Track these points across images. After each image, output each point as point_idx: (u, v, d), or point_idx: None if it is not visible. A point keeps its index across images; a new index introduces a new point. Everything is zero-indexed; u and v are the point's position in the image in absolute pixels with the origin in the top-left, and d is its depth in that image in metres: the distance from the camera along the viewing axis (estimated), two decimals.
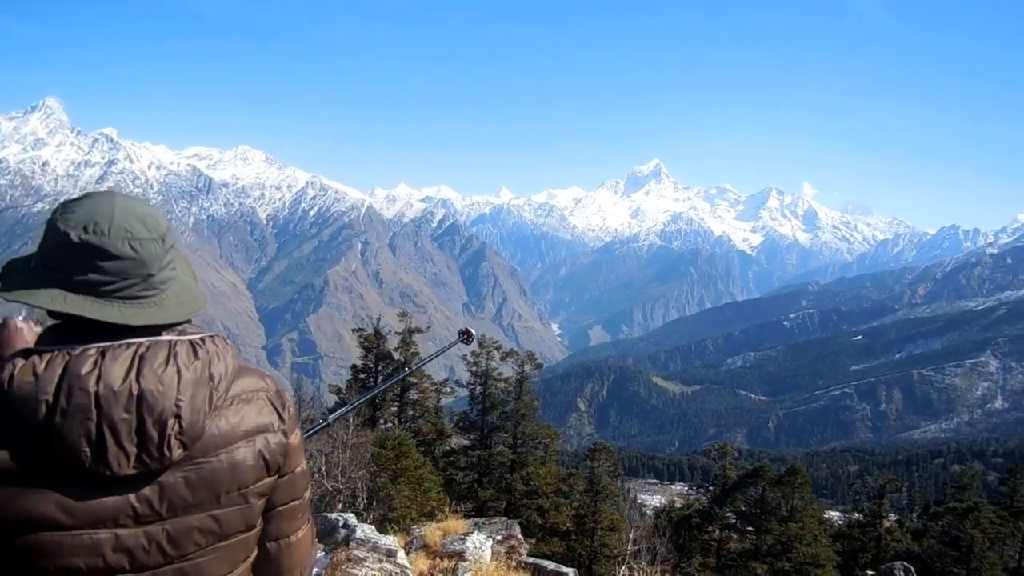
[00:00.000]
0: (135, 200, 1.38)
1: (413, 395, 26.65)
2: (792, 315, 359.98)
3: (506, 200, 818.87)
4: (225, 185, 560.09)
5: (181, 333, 1.37)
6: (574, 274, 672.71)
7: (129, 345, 1.28)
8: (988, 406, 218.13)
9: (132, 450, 1.23)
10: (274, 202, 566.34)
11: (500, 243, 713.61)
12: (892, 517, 31.41)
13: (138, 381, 1.24)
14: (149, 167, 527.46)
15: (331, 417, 2.35)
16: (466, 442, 26.11)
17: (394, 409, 26.86)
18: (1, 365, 1.23)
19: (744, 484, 27.26)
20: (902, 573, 9.78)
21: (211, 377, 1.33)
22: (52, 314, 1.33)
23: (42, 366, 1.22)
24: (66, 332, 1.30)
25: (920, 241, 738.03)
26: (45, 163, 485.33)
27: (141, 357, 1.27)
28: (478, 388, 25.70)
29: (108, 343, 1.27)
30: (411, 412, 26.67)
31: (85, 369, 1.22)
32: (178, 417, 1.26)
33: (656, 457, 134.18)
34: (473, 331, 3.32)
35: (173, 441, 1.26)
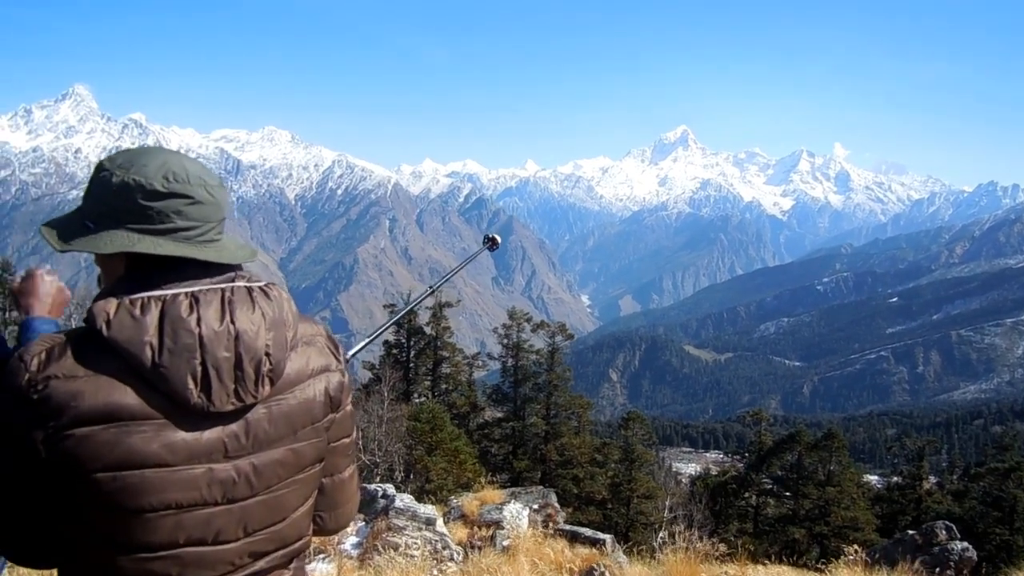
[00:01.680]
0: (186, 156, 1.48)
1: (446, 369, 26.87)
2: (825, 279, 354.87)
3: (532, 172, 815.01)
4: (253, 167, 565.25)
5: (250, 280, 1.44)
6: (602, 244, 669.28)
7: (217, 291, 1.35)
8: None
9: (232, 387, 1.30)
10: (302, 182, 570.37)
11: (527, 216, 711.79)
12: (932, 479, 31.05)
13: (233, 323, 1.31)
14: (178, 151, 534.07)
15: (362, 343, 2.27)
16: (499, 414, 26.29)
17: (427, 383, 27.11)
18: (91, 312, 1.28)
19: (780, 450, 27.12)
20: (944, 532, 9.64)
21: (285, 319, 1.41)
22: (101, 261, 1.41)
23: (137, 310, 1.27)
24: (128, 282, 1.34)
25: (957, 199, 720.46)
26: (77, 150, 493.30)
27: (230, 301, 1.34)
28: (510, 360, 25.81)
29: (197, 288, 1.34)
30: (444, 386, 26.91)
31: (184, 312, 1.28)
32: (268, 355, 1.34)
33: (690, 425, 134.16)
34: (498, 237, 3.38)
35: (264, 378, 1.33)
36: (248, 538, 1.38)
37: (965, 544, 9.32)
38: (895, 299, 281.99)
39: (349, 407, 1.60)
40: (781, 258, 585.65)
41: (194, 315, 1.28)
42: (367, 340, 2.34)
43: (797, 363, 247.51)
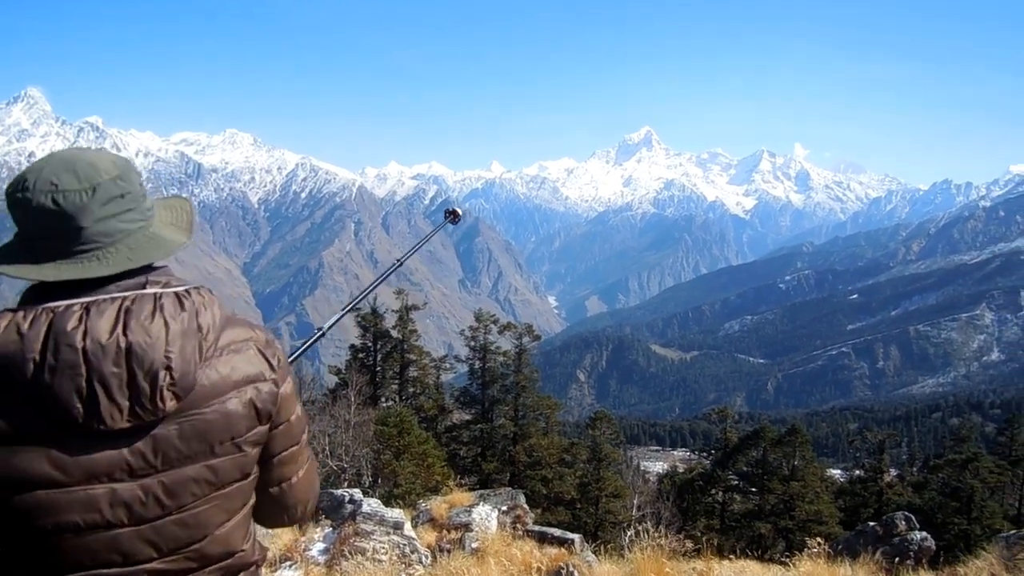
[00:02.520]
0: (88, 151, 1.36)
1: (413, 372, 26.73)
2: (788, 277, 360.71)
3: (498, 174, 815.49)
4: (215, 170, 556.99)
5: (166, 285, 1.36)
6: (569, 246, 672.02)
7: (114, 299, 1.27)
8: (984, 358, 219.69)
9: (125, 403, 1.23)
10: (265, 185, 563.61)
11: (494, 217, 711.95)
12: (892, 472, 31.73)
13: (125, 334, 1.23)
14: (137, 155, 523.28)
15: (327, 325, 2.44)
16: (468, 417, 26.25)
17: (395, 387, 26.95)
18: None
19: (745, 446, 27.50)
20: (903, 523, 9.85)
21: (199, 328, 1.33)
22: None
23: (26, 325, 1.21)
24: (45, 291, 1.28)
25: (913, 197, 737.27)
26: (31, 154, 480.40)
27: (127, 310, 1.26)
28: (477, 363, 25.78)
29: (92, 298, 1.26)
30: (412, 389, 26.77)
31: (71, 325, 1.21)
32: (169, 369, 1.25)
33: (657, 424, 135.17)
34: (459, 210, 3.30)
35: (166, 393, 1.25)
36: (164, 558, 1.32)
37: (924, 534, 9.54)
38: (855, 296, 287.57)
39: (295, 415, 1.54)
40: (744, 257, 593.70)
41: (80, 328, 1.22)
42: (337, 316, 2.35)
43: (761, 360, 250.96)
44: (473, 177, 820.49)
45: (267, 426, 1.46)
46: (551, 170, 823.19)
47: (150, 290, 1.32)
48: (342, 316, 2.48)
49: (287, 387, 1.51)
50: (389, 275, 2.79)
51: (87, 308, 1.24)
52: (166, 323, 1.28)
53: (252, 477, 1.46)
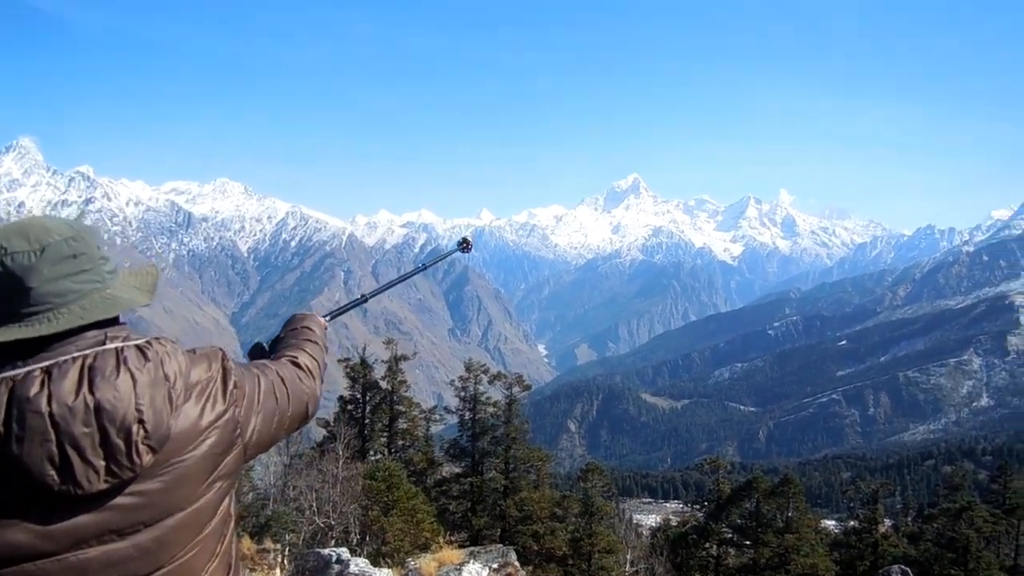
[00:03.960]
0: (46, 217, 1.36)
1: (402, 424, 26.45)
2: (776, 323, 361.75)
3: (487, 222, 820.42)
4: (205, 219, 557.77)
5: (126, 339, 1.34)
6: (558, 293, 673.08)
7: (75, 359, 1.25)
8: (974, 404, 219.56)
9: (100, 464, 1.20)
10: (255, 234, 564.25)
11: (483, 265, 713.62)
12: (887, 522, 31.40)
13: (92, 392, 1.20)
14: (127, 204, 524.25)
15: (370, 293, 2.52)
16: (457, 470, 25.89)
17: (383, 439, 26.62)
18: None
19: (738, 497, 27.18)
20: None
21: (166, 377, 1.31)
22: None
23: None
24: (2, 358, 1.25)
25: (898, 243, 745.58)
26: (21, 204, 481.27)
27: (90, 368, 1.24)
28: (467, 414, 25.54)
29: (52, 360, 1.24)
30: (400, 442, 26.45)
31: (33, 391, 1.18)
32: (141, 422, 1.23)
33: (649, 475, 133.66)
34: (470, 239, 3.43)
35: (141, 447, 1.23)
36: None
37: None
38: (843, 342, 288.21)
39: (257, 409, 1.56)
40: (733, 303, 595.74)
41: (44, 393, 1.19)
42: (380, 288, 2.49)
43: (752, 408, 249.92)
44: (463, 225, 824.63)
45: (238, 449, 1.48)
46: (540, 217, 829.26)
47: (111, 345, 1.30)
48: (385, 289, 2.57)
49: (244, 405, 1.52)
50: (412, 276, 2.83)
51: (48, 371, 1.22)
52: (132, 376, 1.26)
53: (223, 510, 1.46)
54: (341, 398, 26.62)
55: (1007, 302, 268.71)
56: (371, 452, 25.37)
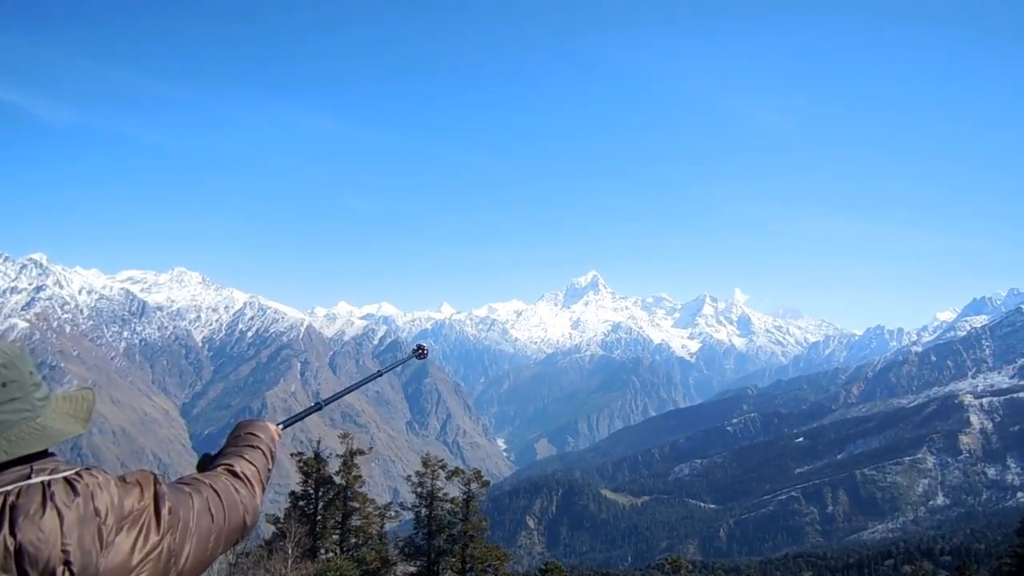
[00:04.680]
0: None
1: (356, 521, 25.65)
2: (735, 420, 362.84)
3: (447, 315, 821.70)
4: (160, 308, 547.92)
5: (54, 472, 1.25)
6: (518, 387, 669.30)
7: None
8: (931, 503, 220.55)
9: None
10: (211, 324, 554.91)
11: (443, 358, 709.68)
12: None
13: (13, 534, 1.13)
14: (80, 292, 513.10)
15: (324, 400, 2.36)
16: (412, 569, 25.04)
17: (335, 537, 25.72)
18: None
19: None
20: None
21: (96, 512, 1.22)
22: None
23: None
24: None
25: (849, 342, 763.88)
26: None
27: (12, 507, 1.15)
28: (424, 510, 24.94)
29: None
30: (354, 540, 25.59)
31: None
32: (67, 564, 1.16)
33: (610, 574, 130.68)
34: (426, 346, 3.13)
35: None
36: None
37: None
38: (800, 439, 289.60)
39: (188, 532, 1.45)
40: (691, 399, 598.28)
41: None
42: (340, 393, 2.36)
43: (712, 505, 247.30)
44: (423, 318, 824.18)
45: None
46: (500, 312, 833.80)
47: (36, 479, 1.22)
48: (342, 395, 2.37)
49: (178, 534, 1.43)
50: (369, 382, 2.59)
51: None
52: (59, 513, 1.18)
53: None
54: (293, 493, 25.84)
55: (956, 401, 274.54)
56: (322, 551, 24.47)
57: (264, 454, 1.96)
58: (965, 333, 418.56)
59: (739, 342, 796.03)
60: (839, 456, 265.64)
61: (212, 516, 1.55)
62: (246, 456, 1.84)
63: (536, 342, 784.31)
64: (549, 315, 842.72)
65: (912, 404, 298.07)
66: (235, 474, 1.74)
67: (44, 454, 1.31)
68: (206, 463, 1.86)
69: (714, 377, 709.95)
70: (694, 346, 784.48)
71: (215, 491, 1.61)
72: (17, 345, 1.26)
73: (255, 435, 2.00)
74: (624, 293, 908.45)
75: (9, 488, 1.18)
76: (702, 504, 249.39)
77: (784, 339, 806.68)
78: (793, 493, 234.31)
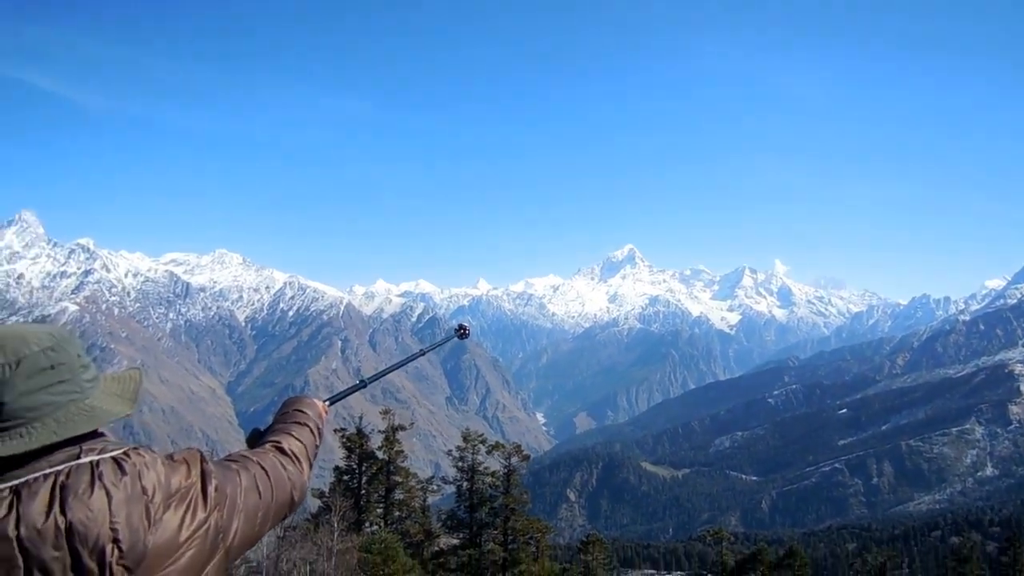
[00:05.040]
0: (27, 325, 1.32)
1: (399, 495, 26.03)
2: (776, 392, 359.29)
3: (484, 291, 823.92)
4: (203, 289, 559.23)
5: (102, 451, 1.29)
6: (556, 362, 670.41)
7: (46, 476, 1.19)
8: (979, 474, 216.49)
9: None
10: (252, 304, 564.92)
11: (481, 334, 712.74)
12: None
13: (63, 513, 1.15)
14: (126, 275, 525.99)
15: (368, 379, 2.35)
16: (455, 541, 25.36)
17: (380, 511, 26.14)
18: None
19: (743, 570, 26.60)
20: None
21: (144, 491, 1.26)
22: None
23: None
24: None
25: (894, 312, 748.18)
26: (20, 276, 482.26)
27: (62, 486, 1.18)
28: (465, 484, 25.18)
29: (22, 479, 1.19)
30: (397, 513, 25.98)
31: (1, 513, 1.14)
32: (116, 542, 1.18)
33: (651, 546, 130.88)
34: (468, 326, 3.35)
35: (115, 568, 1.19)
36: None
37: None
38: (844, 410, 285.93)
39: (238, 515, 1.50)
40: (731, 372, 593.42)
41: (11, 515, 1.14)
42: (384, 371, 2.36)
43: (754, 477, 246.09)
44: (460, 294, 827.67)
45: (221, 554, 1.43)
46: (537, 287, 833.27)
47: (85, 459, 1.25)
48: (385, 374, 2.43)
49: (226, 510, 1.47)
50: (410, 362, 2.67)
51: (17, 492, 1.17)
52: (107, 492, 1.21)
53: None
54: (337, 468, 26.28)
55: (1006, 371, 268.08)
56: (367, 524, 24.91)
57: (311, 431, 1.99)
58: (1016, 301, 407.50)
59: (780, 313, 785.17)
60: (883, 427, 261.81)
61: (259, 493, 1.59)
62: (293, 433, 1.87)
63: (573, 316, 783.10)
64: (586, 289, 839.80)
65: (960, 374, 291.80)
66: (282, 451, 1.78)
67: (94, 434, 1.34)
68: (256, 438, 1.92)
69: (754, 349, 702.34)
70: (733, 318, 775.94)
71: (262, 468, 1.66)
72: (66, 329, 1.31)
73: (302, 412, 2.04)
74: (661, 266, 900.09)
75: (59, 468, 1.21)
76: (743, 476, 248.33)
77: (826, 310, 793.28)
78: (836, 465, 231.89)
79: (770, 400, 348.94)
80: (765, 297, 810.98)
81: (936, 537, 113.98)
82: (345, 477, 25.94)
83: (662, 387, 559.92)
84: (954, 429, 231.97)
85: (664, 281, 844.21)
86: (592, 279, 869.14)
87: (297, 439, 1.84)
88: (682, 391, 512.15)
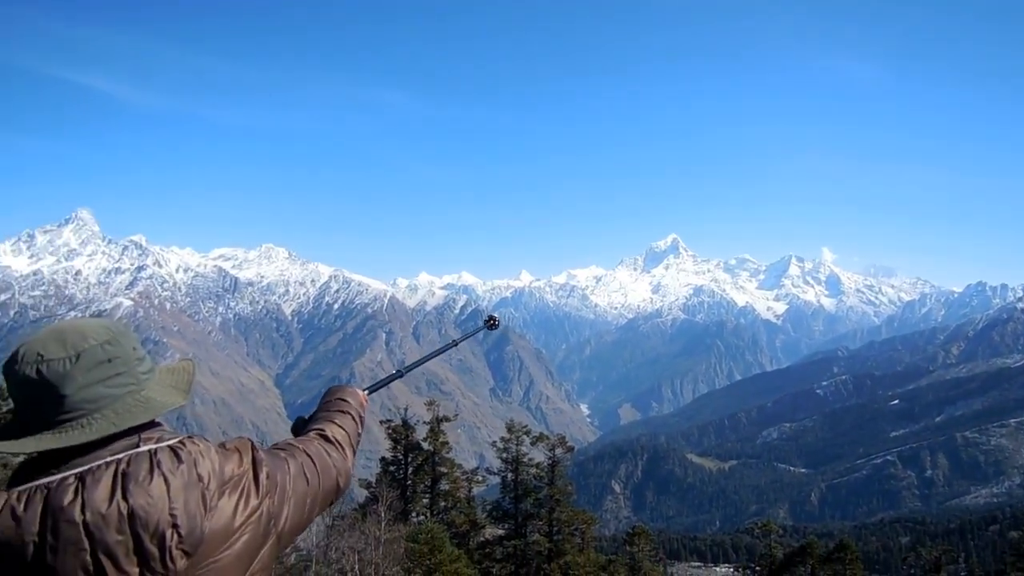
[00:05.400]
0: (84, 320, 1.41)
1: (444, 485, 26.22)
2: (824, 383, 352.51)
3: (526, 283, 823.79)
4: (250, 284, 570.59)
5: (160, 440, 1.35)
6: (599, 353, 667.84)
7: (108, 464, 1.25)
8: None
9: (135, 571, 1.21)
10: (298, 297, 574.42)
11: (523, 326, 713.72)
12: None
13: (125, 499, 1.20)
14: (177, 270, 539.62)
15: (404, 369, 2.51)
16: (500, 532, 25.43)
17: (425, 501, 26.38)
18: None
19: (792, 563, 26.19)
20: None
21: (200, 478, 1.32)
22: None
23: (21, 506, 1.18)
24: (37, 464, 1.27)
25: (948, 300, 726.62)
26: (77, 272, 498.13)
27: (124, 474, 1.24)
28: (509, 475, 25.22)
29: (86, 466, 1.24)
30: (443, 503, 26.17)
31: (67, 499, 1.18)
32: (175, 527, 1.24)
33: (698, 538, 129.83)
34: (498, 316, 3.45)
35: (175, 552, 1.24)
36: None
37: None
38: (896, 402, 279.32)
39: (287, 495, 1.56)
40: (778, 362, 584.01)
41: (77, 501, 1.19)
42: (419, 361, 2.42)
43: (803, 470, 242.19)
44: (502, 286, 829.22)
45: (273, 540, 1.49)
46: (579, 278, 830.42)
47: (144, 448, 1.32)
48: (420, 364, 2.55)
49: (277, 496, 1.53)
50: (443, 352, 2.76)
51: (82, 478, 1.22)
52: (166, 480, 1.27)
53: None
54: (383, 459, 26.56)
55: None
56: (413, 514, 25.15)
57: (354, 418, 2.04)
58: None
59: (828, 303, 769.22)
60: (938, 418, 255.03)
61: (307, 479, 1.65)
62: (336, 421, 1.94)
63: (616, 307, 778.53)
64: (629, 280, 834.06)
65: (1018, 364, 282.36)
66: (327, 439, 1.83)
67: (151, 424, 1.40)
68: (300, 426, 2.00)
69: (802, 339, 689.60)
70: (780, 308, 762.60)
71: (309, 456, 1.71)
72: (121, 323, 1.34)
73: (345, 400, 2.11)
74: (705, 256, 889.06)
75: (120, 456, 1.26)
76: (792, 468, 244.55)
77: (876, 299, 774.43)
78: (888, 457, 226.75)
79: (819, 391, 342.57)
80: (813, 286, 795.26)
81: (994, 531, 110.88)
82: (391, 468, 26.21)
83: (707, 378, 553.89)
84: (1012, 421, 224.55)
85: (708, 271, 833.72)
86: (635, 270, 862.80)
87: (340, 427, 1.91)
88: (728, 382, 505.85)
